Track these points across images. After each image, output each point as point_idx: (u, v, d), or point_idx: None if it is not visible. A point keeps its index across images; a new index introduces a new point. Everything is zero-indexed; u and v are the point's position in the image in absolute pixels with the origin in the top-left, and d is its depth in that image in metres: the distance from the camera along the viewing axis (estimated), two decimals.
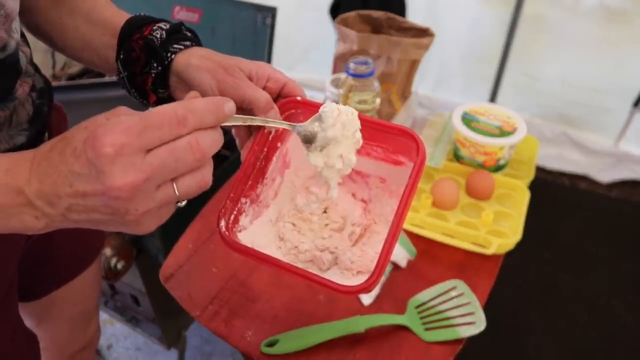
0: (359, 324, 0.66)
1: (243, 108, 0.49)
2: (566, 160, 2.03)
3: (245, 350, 0.66)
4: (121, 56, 0.49)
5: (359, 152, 0.51)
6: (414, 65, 0.94)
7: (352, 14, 0.98)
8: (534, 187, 0.88)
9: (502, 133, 0.86)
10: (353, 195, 0.57)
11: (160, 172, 0.34)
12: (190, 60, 0.48)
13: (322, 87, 0.99)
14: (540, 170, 2.03)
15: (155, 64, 0.49)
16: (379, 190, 0.56)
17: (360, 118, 0.50)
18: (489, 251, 0.75)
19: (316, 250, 0.51)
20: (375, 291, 0.71)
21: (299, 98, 0.52)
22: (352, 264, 0.50)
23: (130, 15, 0.52)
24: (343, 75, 0.90)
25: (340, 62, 0.98)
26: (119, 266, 0.98)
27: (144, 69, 0.49)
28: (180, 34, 0.50)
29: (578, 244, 1.78)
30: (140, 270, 1.08)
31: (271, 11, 1.09)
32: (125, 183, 0.33)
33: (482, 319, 0.67)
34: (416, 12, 1.86)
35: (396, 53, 0.89)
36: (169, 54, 0.48)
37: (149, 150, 0.34)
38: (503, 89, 1.91)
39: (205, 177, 0.37)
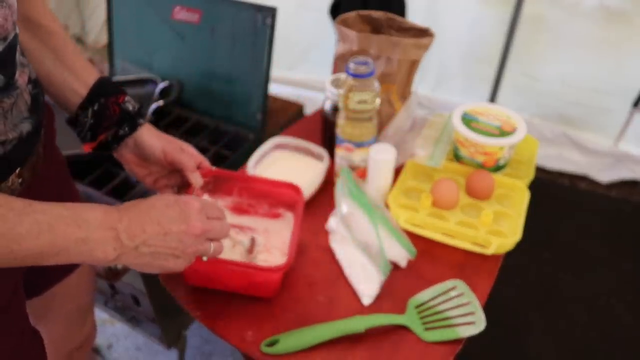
0: (359, 323, 0.66)
1: (175, 168, 0.71)
2: (566, 160, 2.03)
3: (245, 350, 0.66)
4: (95, 108, 0.64)
5: (247, 212, 0.80)
6: (413, 65, 0.94)
7: (352, 14, 0.98)
8: (533, 187, 0.88)
9: (502, 133, 0.86)
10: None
11: (212, 231, 0.56)
12: (151, 132, 0.69)
13: (322, 87, 0.99)
14: (540, 170, 2.03)
15: (126, 128, 0.66)
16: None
17: (253, 179, 0.80)
18: (489, 251, 0.75)
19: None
20: (375, 291, 0.71)
21: (213, 168, 0.75)
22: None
23: (99, 75, 0.66)
24: (343, 76, 0.90)
25: (340, 62, 0.98)
26: (119, 266, 0.99)
27: (111, 125, 0.66)
28: (141, 111, 0.69)
29: (578, 244, 1.78)
30: None
31: (271, 11, 1.09)
32: (200, 226, 0.54)
33: (481, 319, 0.67)
34: (416, 12, 1.86)
35: (396, 53, 0.89)
36: (137, 125, 0.67)
37: (209, 217, 0.56)
38: (503, 89, 1.91)
39: (221, 246, 0.60)
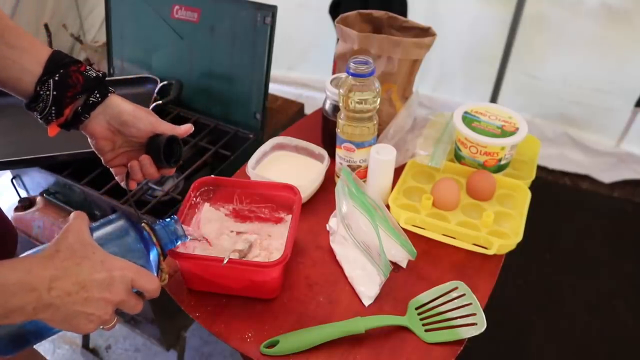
0: (360, 324, 0.65)
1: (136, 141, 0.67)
2: (568, 160, 2.02)
3: (245, 351, 0.65)
4: (56, 78, 0.59)
5: (249, 218, 0.80)
6: (415, 65, 0.93)
7: (352, 14, 0.98)
8: (535, 187, 0.87)
9: (504, 133, 0.85)
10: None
11: (125, 305, 0.54)
12: (124, 100, 0.65)
13: (322, 87, 0.98)
14: (541, 170, 2.02)
15: (97, 94, 0.62)
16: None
17: (251, 184, 0.80)
18: (490, 252, 0.75)
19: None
20: (376, 292, 0.71)
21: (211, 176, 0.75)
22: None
23: (51, 50, 0.61)
24: (343, 75, 0.90)
25: (340, 62, 0.97)
26: None
27: (77, 95, 0.61)
28: (105, 79, 0.64)
29: (579, 245, 1.77)
30: None
31: (271, 10, 1.08)
32: (120, 299, 0.52)
33: (483, 320, 0.66)
34: (417, 11, 1.85)
35: (397, 53, 0.89)
36: (107, 92, 0.63)
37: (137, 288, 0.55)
38: (504, 88, 1.91)
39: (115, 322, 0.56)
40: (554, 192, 1.97)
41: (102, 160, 0.68)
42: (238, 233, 0.78)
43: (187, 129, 0.68)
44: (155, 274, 0.60)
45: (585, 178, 2.02)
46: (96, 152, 0.67)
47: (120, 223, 0.58)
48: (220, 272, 0.68)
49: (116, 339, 1.49)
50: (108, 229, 0.58)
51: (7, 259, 0.48)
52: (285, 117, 1.32)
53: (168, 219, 0.63)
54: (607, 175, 1.99)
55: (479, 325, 0.65)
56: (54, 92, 0.60)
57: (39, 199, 1.12)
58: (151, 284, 0.55)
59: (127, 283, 0.53)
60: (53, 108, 0.61)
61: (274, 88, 1.24)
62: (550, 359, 1.43)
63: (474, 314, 0.67)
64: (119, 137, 0.66)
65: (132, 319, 1.24)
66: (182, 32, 1.21)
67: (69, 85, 0.60)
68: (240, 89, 1.17)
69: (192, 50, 1.21)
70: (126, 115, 0.64)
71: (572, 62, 1.84)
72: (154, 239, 0.60)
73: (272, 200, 0.78)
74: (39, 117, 0.62)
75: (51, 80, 0.59)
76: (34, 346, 0.76)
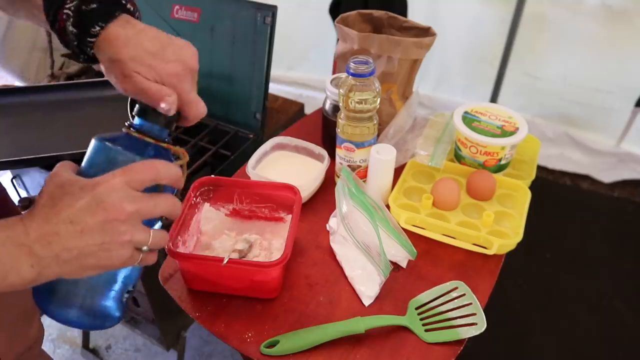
0: (360, 324, 0.65)
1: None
2: (568, 160, 2.03)
3: (245, 351, 0.65)
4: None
5: (249, 218, 0.80)
6: (415, 64, 0.93)
7: (352, 13, 0.98)
8: (535, 186, 0.87)
9: (504, 133, 0.85)
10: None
11: (144, 209, 0.45)
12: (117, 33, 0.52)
13: (322, 86, 0.98)
14: (541, 170, 2.02)
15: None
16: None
17: (251, 184, 0.79)
18: (490, 252, 0.75)
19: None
20: (376, 291, 0.71)
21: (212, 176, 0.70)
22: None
23: None
24: (343, 75, 0.90)
25: (340, 62, 0.97)
26: None
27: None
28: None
29: (580, 244, 1.77)
30: None
31: (271, 10, 1.08)
32: (124, 208, 0.43)
33: (483, 319, 0.66)
34: (417, 11, 1.85)
35: (397, 52, 0.89)
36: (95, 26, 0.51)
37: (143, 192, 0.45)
38: (504, 88, 1.91)
39: (165, 235, 0.49)
40: (554, 192, 1.97)
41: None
42: (238, 233, 0.78)
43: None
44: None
45: (585, 178, 2.02)
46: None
47: (95, 143, 0.49)
48: (221, 272, 0.68)
49: (116, 339, 1.49)
50: (88, 156, 0.49)
51: None
52: (285, 117, 1.32)
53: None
54: (607, 175, 2.00)
55: (479, 325, 0.65)
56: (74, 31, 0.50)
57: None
58: (154, 169, 0.45)
59: (120, 190, 0.44)
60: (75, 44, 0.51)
61: (274, 88, 1.24)
62: (550, 358, 1.43)
63: (474, 314, 0.67)
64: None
65: (132, 319, 1.24)
66: (182, 32, 1.21)
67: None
68: (240, 89, 1.17)
69: None
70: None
71: (572, 62, 1.84)
72: (140, 135, 0.50)
73: (272, 200, 0.78)
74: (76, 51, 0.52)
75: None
76: (42, 347, 0.76)
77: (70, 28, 0.51)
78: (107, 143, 0.49)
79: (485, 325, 0.65)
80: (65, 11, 0.50)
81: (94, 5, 0.50)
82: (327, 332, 0.65)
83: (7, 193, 0.74)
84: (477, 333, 0.65)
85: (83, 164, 0.49)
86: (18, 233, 0.42)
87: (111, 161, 0.47)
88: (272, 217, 0.80)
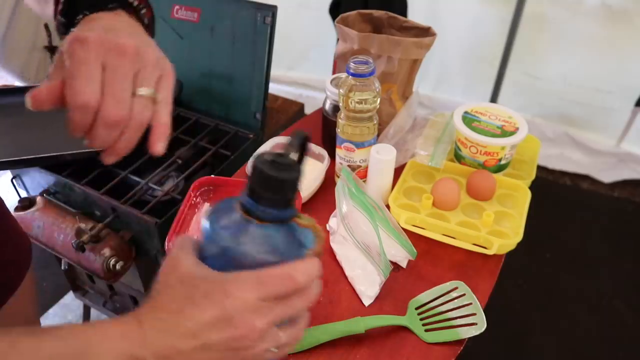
0: (360, 324, 0.65)
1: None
2: (568, 160, 2.03)
3: None
4: None
5: None
6: (415, 64, 0.93)
7: (352, 13, 0.98)
8: (535, 186, 0.87)
9: (504, 133, 0.85)
10: None
11: (278, 318, 0.39)
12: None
13: (322, 86, 0.98)
14: (541, 170, 2.02)
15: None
16: None
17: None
18: (490, 252, 0.75)
19: None
20: (376, 292, 0.71)
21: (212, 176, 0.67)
22: None
23: None
24: (343, 75, 0.90)
25: (340, 62, 0.97)
26: (118, 267, 0.98)
27: None
28: None
29: (580, 244, 1.77)
30: (139, 271, 1.07)
31: (271, 10, 1.08)
32: (257, 326, 0.38)
33: (483, 320, 0.66)
34: (417, 11, 1.85)
35: (397, 52, 0.89)
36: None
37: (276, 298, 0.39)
38: (504, 88, 1.91)
39: (300, 330, 0.43)
40: (554, 192, 1.97)
41: None
42: None
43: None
44: (305, 251, 0.43)
45: (585, 178, 2.03)
46: None
47: (217, 228, 0.41)
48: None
49: None
50: (211, 238, 0.41)
51: (97, 320, 0.39)
52: (285, 117, 1.32)
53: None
54: (607, 175, 2.00)
55: (479, 325, 0.65)
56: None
57: (39, 199, 1.12)
58: (292, 282, 0.39)
59: (252, 306, 0.38)
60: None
61: (274, 88, 1.24)
62: (550, 358, 1.43)
63: (474, 314, 0.67)
64: None
65: None
66: (182, 32, 1.21)
67: None
68: (240, 89, 1.17)
69: (192, 50, 1.21)
70: None
71: (572, 61, 1.85)
72: (266, 222, 0.41)
73: None
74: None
75: None
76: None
77: (59, 17, 0.48)
78: (230, 233, 0.40)
79: (485, 326, 0.65)
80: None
81: None
82: (327, 332, 0.65)
83: (6, 207, 0.74)
84: (477, 333, 0.65)
85: (205, 242, 0.42)
86: (135, 343, 0.37)
87: (236, 257, 0.40)
88: None
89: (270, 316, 0.38)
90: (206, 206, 0.78)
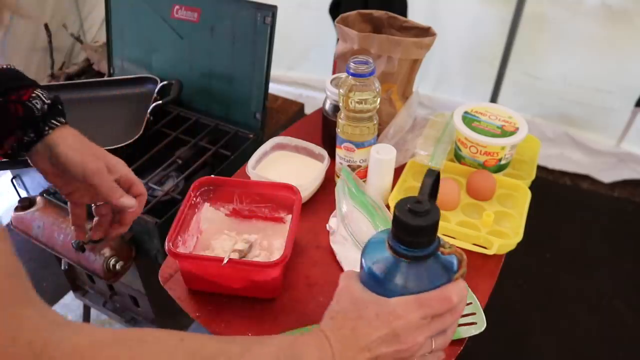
0: None
1: (97, 195, 0.60)
2: (568, 160, 2.03)
3: None
4: None
5: (248, 217, 0.80)
6: (415, 64, 0.93)
7: (352, 13, 0.98)
8: (535, 186, 0.87)
9: (504, 133, 0.85)
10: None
11: (433, 333, 0.47)
12: (68, 140, 0.55)
13: (322, 86, 0.98)
14: (541, 170, 2.02)
15: (31, 134, 0.54)
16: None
17: (251, 184, 0.80)
18: (490, 252, 0.75)
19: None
20: None
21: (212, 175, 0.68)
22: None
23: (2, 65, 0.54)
24: (343, 75, 0.90)
25: (340, 62, 0.97)
26: (118, 267, 0.98)
27: (14, 130, 0.53)
28: (57, 109, 0.55)
29: (580, 244, 1.77)
30: (140, 271, 1.07)
31: (271, 10, 1.08)
32: (417, 342, 0.45)
33: (483, 319, 0.66)
34: (417, 11, 1.85)
35: (397, 52, 0.89)
36: (47, 128, 0.54)
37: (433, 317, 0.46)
38: (504, 88, 1.91)
39: (448, 339, 0.50)
40: (554, 192, 1.97)
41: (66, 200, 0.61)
42: (238, 233, 0.78)
43: (129, 203, 0.61)
44: (452, 275, 0.49)
45: (585, 178, 2.03)
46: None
47: (375, 262, 0.48)
48: (220, 272, 0.68)
49: None
50: (376, 267, 0.48)
51: (274, 336, 0.47)
52: (285, 117, 1.32)
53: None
54: (607, 175, 2.00)
55: (479, 324, 0.65)
56: None
57: (39, 199, 1.12)
58: (449, 303, 0.46)
59: (415, 325, 0.45)
60: None
61: (274, 88, 1.23)
62: (550, 358, 1.43)
63: (474, 314, 0.67)
64: (69, 174, 0.58)
65: (132, 319, 1.24)
66: (182, 32, 1.21)
67: (6, 119, 0.53)
68: (240, 89, 1.17)
69: (192, 50, 1.21)
70: (64, 163, 0.55)
71: (572, 61, 1.85)
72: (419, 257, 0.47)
73: (272, 200, 0.78)
74: None
75: None
76: None
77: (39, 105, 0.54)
78: (384, 272, 0.48)
79: (485, 325, 0.65)
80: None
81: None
82: None
83: None
84: (477, 332, 0.65)
85: (365, 279, 0.49)
86: (328, 354, 0.45)
87: (394, 290, 0.47)
88: (272, 217, 0.80)
89: (428, 332, 0.46)
90: (206, 206, 0.78)
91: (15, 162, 1.03)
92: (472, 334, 0.65)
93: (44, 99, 0.55)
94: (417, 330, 0.45)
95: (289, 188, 0.76)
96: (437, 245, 0.47)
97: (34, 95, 0.54)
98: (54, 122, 0.55)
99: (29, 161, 0.57)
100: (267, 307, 0.70)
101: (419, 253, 0.46)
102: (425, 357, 0.48)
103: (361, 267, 0.50)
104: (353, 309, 0.47)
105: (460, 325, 0.66)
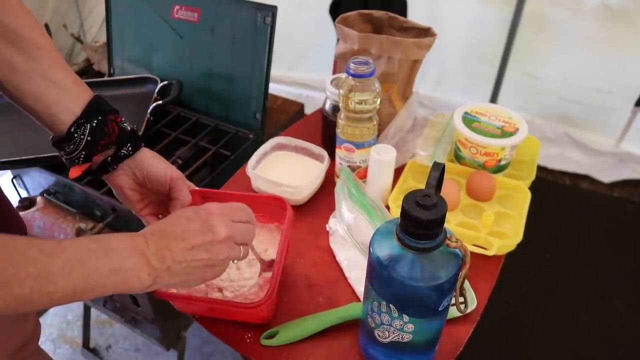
0: (357, 309, 0.66)
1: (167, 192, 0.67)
2: (568, 160, 2.03)
3: (245, 352, 0.65)
4: (93, 124, 0.60)
5: None
6: (415, 65, 0.93)
7: (353, 14, 0.98)
8: (535, 187, 0.87)
9: (504, 133, 0.85)
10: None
11: (237, 234, 0.55)
12: (150, 154, 0.65)
13: (322, 87, 0.98)
14: (541, 170, 2.02)
15: (130, 147, 0.62)
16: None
17: (239, 196, 0.72)
18: (490, 252, 0.75)
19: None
20: None
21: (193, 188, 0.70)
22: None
23: (93, 93, 0.61)
24: (343, 75, 0.90)
25: (340, 62, 0.97)
26: None
27: (110, 144, 0.61)
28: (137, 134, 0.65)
29: (579, 244, 1.77)
30: None
31: (271, 10, 1.08)
32: (224, 232, 0.53)
33: (473, 298, 0.68)
34: (417, 11, 1.85)
35: (397, 53, 0.89)
36: (139, 145, 0.64)
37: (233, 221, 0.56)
38: (504, 88, 1.91)
39: (248, 250, 0.60)
40: (554, 192, 1.97)
41: (132, 210, 0.68)
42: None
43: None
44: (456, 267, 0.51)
45: (585, 178, 2.03)
46: (123, 203, 0.67)
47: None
48: (206, 307, 0.67)
49: (116, 338, 1.49)
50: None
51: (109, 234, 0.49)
52: (285, 117, 1.32)
53: None
54: (607, 175, 2.00)
55: (470, 303, 0.66)
56: (88, 138, 0.60)
57: (39, 199, 1.12)
58: (242, 214, 0.57)
59: (222, 216, 0.54)
60: (83, 152, 0.61)
61: (274, 88, 1.24)
62: (550, 358, 1.43)
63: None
64: (146, 188, 0.66)
65: (132, 319, 1.24)
66: (182, 32, 1.21)
67: (104, 134, 0.61)
68: (240, 89, 1.17)
69: (192, 50, 1.21)
70: (154, 172, 0.65)
71: (572, 61, 1.85)
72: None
73: (263, 211, 0.74)
74: (65, 157, 0.62)
75: (88, 125, 0.60)
76: (42, 346, 0.76)
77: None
78: (391, 261, 0.50)
79: (475, 303, 0.67)
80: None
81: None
82: (326, 319, 0.66)
83: (3, 193, 0.75)
84: (468, 311, 0.66)
85: (380, 258, 0.51)
86: (140, 245, 0.48)
87: (401, 281, 0.50)
88: (264, 223, 0.76)
89: (231, 229, 0.54)
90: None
91: (15, 162, 1.03)
92: (462, 313, 0.63)
93: (129, 124, 0.64)
94: (222, 221, 0.54)
95: (279, 201, 0.71)
96: (443, 238, 0.50)
97: (123, 119, 0.63)
98: (140, 142, 0.65)
99: (107, 178, 0.65)
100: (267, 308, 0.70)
101: (426, 245, 0.49)
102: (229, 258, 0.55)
103: (369, 255, 0.53)
104: (173, 216, 0.55)
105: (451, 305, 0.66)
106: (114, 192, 0.67)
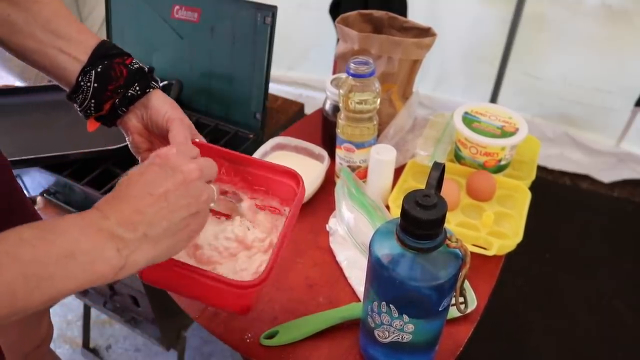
0: (357, 309, 0.66)
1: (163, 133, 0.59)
2: (568, 160, 2.03)
3: (245, 352, 0.65)
4: (98, 69, 0.56)
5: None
6: (415, 65, 0.93)
7: (353, 14, 0.98)
8: (535, 187, 0.87)
9: (504, 133, 0.85)
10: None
11: (205, 168, 0.47)
12: (160, 95, 0.60)
13: (322, 87, 0.98)
14: (541, 169, 2.02)
15: (137, 87, 0.58)
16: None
17: (251, 161, 0.64)
18: (490, 252, 0.75)
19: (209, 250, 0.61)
20: None
21: (197, 140, 0.60)
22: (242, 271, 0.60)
23: (100, 39, 0.58)
24: (343, 75, 0.90)
25: (340, 62, 0.97)
26: None
27: (118, 88, 0.57)
28: (152, 75, 0.61)
29: (579, 244, 1.77)
30: (139, 271, 1.07)
31: (271, 10, 1.08)
32: (194, 167, 0.45)
33: (473, 298, 0.68)
34: (417, 11, 1.85)
35: (397, 53, 0.89)
36: (150, 85, 0.59)
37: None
38: (504, 88, 1.91)
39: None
40: (554, 192, 1.97)
41: (139, 160, 0.62)
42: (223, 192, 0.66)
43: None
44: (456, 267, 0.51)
45: (585, 178, 2.03)
46: (132, 151, 0.62)
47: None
48: (179, 277, 0.53)
49: (116, 338, 1.49)
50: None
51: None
52: (285, 117, 1.32)
53: None
54: (606, 175, 2.00)
55: (470, 303, 0.66)
56: (95, 84, 0.57)
57: (39, 199, 1.12)
58: (193, 150, 0.49)
59: (181, 154, 0.47)
60: (92, 101, 0.57)
61: (274, 88, 1.24)
62: (550, 358, 1.43)
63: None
64: (154, 135, 0.61)
65: (132, 319, 1.24)
66: (182, 32, 1.21)
67: (111, 78, 0.57)
68: (240, 89, 1.17)
69: (192, 50, 1.21)
70: (155, 115, 0.59)
71: (572, 61, 1.85)
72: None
73: (266, 185, 0.65)
74: (79, 109, 0.59)
75: (93, 72, 0.56)
76: (51, 346, 0.76)
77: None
78: (391, 261, 0.50)
79: (475, 303, 0.67)
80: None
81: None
82: (326, 319, 0.66)
83: (19, 187, 0.74)
84: (468, 311, 0.66)
85: (380, 258, 0.51)
86: (94, 219, 0.39)
87: (401, 281, 0.50)
88: (262, 207, 0.67)
89: (199, 163, 0.46)
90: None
91: (15, 162, 1.03)
92: (464, 312, 0.63)
93: (143, 65, 0.59)
94: (185, 159, 0.45)
95: (292, 175, 0.63)
96: (444, 238, 0.50)
97: (134, 61, 0.59)
98: (154, 82, 0.60)
99: (120, 123, 0.60)
100: (266, 308, 0.70)
101: (426, 245, 0.49)
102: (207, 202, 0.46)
103: (369, 255, 0.52)
104: (124, 179, 0.45)
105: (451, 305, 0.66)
106: (125, 138, 0.62)
